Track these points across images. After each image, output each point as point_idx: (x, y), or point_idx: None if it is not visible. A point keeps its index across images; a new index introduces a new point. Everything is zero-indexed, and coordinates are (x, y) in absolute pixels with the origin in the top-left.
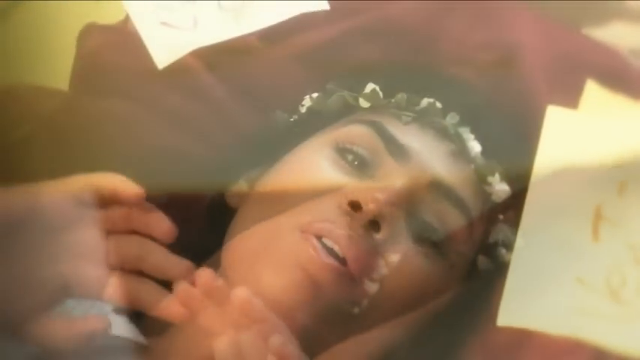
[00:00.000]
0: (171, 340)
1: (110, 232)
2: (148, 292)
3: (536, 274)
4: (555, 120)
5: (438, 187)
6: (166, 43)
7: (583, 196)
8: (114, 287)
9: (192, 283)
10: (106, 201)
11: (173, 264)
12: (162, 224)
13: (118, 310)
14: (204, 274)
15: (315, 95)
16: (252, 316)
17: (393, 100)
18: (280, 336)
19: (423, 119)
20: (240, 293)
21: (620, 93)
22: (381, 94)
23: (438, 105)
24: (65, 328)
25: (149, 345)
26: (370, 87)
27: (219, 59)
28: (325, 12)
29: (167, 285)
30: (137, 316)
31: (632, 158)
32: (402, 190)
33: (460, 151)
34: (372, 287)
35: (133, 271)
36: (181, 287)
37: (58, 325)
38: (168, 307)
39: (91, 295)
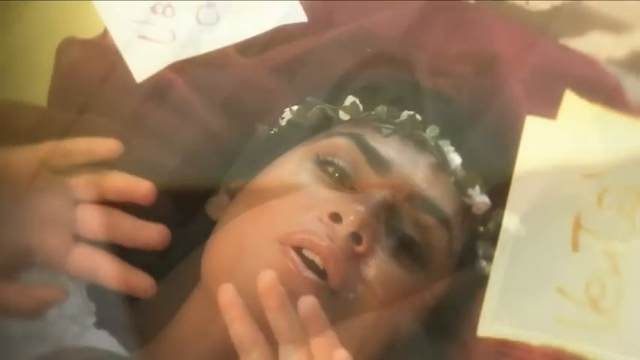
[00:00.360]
0: (153, 352)
1: (80, 200)
2: (109, 263)
3: (517, 285)
4: (534, 130)
5: (418, 200)
6: (145, 56)
7: (562, 206)
8: (76, 258)
9: None
10: (79, 166)
11: (146, 229)
12: (140, 185)
13: (98, 325)
14: (268, 275)
15: (295, 108)
16: (314, 327)
17: (373, 113)
18: (345, 352)
19: (404, 132)
20: (309, 301)
21: (598, 103)
22: (360, 106)
23: (418, 117)
24: (19, 295)
25: (131, 357)
26: (350, 99)
27: (197, 72)
28: (303, 24)
29: (159, 276)
30: (119, 328)
31: (611, 168)
32: (383, 202)
33: (440, 164)
34: (350, 298)
35: (106, 243)
36: (226, 291)
37: (12, 291)
38: (131, 279)
39: (53, 264)
